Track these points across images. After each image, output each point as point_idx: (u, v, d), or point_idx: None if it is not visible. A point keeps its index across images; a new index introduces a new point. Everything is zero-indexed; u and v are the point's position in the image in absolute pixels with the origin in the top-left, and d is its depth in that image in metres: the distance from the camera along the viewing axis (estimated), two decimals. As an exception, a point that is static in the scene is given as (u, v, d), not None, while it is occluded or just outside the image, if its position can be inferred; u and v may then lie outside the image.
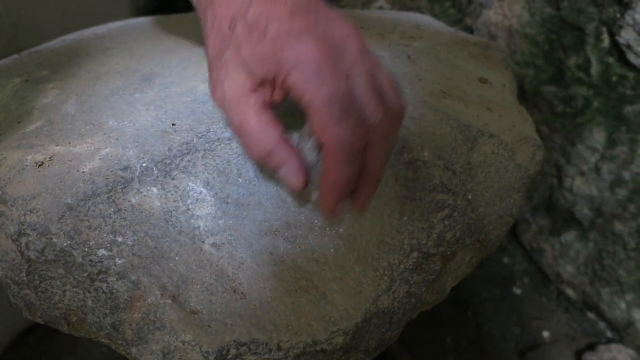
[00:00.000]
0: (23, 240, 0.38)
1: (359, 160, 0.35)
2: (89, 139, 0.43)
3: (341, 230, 0.43)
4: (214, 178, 0.42)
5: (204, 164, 0.42)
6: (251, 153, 0.37)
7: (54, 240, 0.38)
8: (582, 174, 0.94)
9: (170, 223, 0.40)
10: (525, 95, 0.98)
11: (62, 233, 0.38)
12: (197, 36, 0.49)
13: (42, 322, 0.42)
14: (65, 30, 0.70)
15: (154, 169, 0.41)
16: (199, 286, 0.39)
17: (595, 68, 0.87)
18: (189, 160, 0.42)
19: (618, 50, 0.83)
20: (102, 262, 0.38)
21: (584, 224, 0.97)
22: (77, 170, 0.40)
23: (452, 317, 1.05)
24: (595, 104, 0.89)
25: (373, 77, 0.35)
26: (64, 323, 0.41)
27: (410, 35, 0.64)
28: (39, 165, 0.41)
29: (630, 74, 0.83)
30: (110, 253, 0.38)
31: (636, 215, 0.89)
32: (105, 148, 0.42)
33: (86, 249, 0.38)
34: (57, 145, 0.43)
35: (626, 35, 0.80)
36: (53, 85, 0.52)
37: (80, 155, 0.42)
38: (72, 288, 0.39)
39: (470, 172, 0.48)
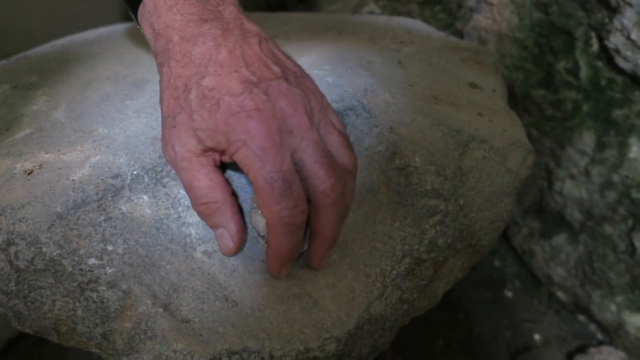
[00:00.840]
0: (12, 249, 0.38)
1: (299, 234, 0.37)
2: (79, 147, 0.43)
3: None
4: (205, 185, 0.42)
5: (195, 171, 0.42)
6: (197, 209, 0.39)
7: (44, 249, 0.38)
8: (572, 177, 0.95)
9: (162, 231, 0.40)
10: (516, 99, 0.98)
11: (51, 242, 0.38)
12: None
13: (31, 332, 0.41)
14: (54, 36, 0.70)
15: (145, 176, 0.41)
16: (190, 294, 0.39)
17: (584, 72, 0.88)
18: (180, 168, 0.42)
19: (607, 55, 0.84)
20: (92, 271, 0.38)
21: (574, 226, 0.98)
22: (67, 179, 0.40)
23: (443, 320, 1.05)
24: (585, 107, 0.90)
25: (322, 143, 0.37)
26: (53, 333, 0.41)
27: (401, 41, 0.64)
28: (28, 174, 0.41)
29: (619, 78, 0.84)
30: (100, 262, 0.38)
31: (626, 218, 0.90)
32: (96, 156, 0.42)
33: (76, 258, 0.38)
34: (47, 153, 0.43)
35: (615, 40, 0.80)
36: (42, 91, 0.52)
37: (70, 163, 0.41)
38: (62, 298, 0.39)
39: (461, 178, 0.48)
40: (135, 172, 0.41)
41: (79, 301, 0.39)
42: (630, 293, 0.92)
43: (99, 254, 0.38)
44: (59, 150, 0.43)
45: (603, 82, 0.86)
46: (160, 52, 0.39)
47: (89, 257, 0.38)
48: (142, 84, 0.52)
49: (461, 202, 0.48)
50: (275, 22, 0.71)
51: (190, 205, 0.41)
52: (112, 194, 0.40)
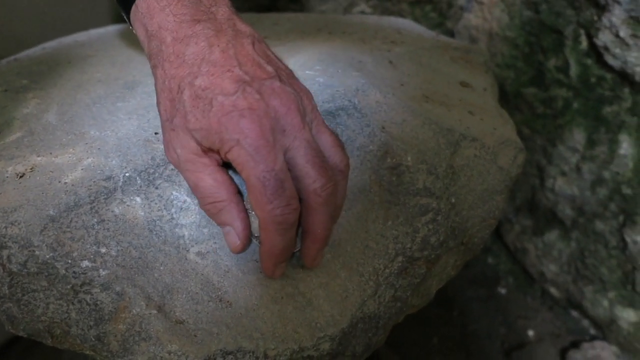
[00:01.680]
0: (4, 253, 0.38)
1: (292, 232, 0.37)
2: (71, 149, 0.43)
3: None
4: (198, 186, 0.42)
5: (187, 173, 0.42)
6: (204, 209, 0.39)
7: (37, 252, 0.38)
8: (564, 174, 0.96)
9: (155, 232, 0.40)
10: (506, 97, 0.99)
11: (44, 245, 0.38)
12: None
13: (25, 336, 0.41)
14: (45, 38, 0.69)
15: (137, 178, 0.41)
16: (184, 296, 0.39)
17: (574, 70, 0.89)
18: (172, 169, 0.42)
19: (596, 52, 0.85)
20: (85, 273, 0.38)
21: (566, 223, 0.99)
22: (59, 181, 0.40)
23: (437, 318, 1.05)
24: (575, 105, 0.91)
25: (314, 143, 0.37)
26: (47, 336, 0.40)
27: (391, 40, 0.65)
28: (20, 177, 0.41)
29: (608, 75, 0.85)
30: (94, 264, 0.38)
31: (617, 214, 0.91)
32: (88, 158, 0.42)
33: (69, 261, 0.38)
34: (39, 156, 0.42)
35: (603, 37, 0.81)
36: (33, 94, 0.52)
37: (62, 166, 0.41)
38: (55, 300, 0.39)
39: (453, 176, 0.49)
40: (127, 174, 0.41)
41: (73, 304, 0.39)
42: (622, 288, 0.93)
43: (92, 257, 0.38)
44: (51, 153, 0.43)
45: (593, 80, 0.87)
46: (153, 54, 0.39)
47: (82, 260, 0.38)
48: (133, 86, 0.52)
49: (453, 201, 0.48)
50: (267, 23, 0.72)
51: (182, 206, 0.41)
52: (105, 196, 0.40)
